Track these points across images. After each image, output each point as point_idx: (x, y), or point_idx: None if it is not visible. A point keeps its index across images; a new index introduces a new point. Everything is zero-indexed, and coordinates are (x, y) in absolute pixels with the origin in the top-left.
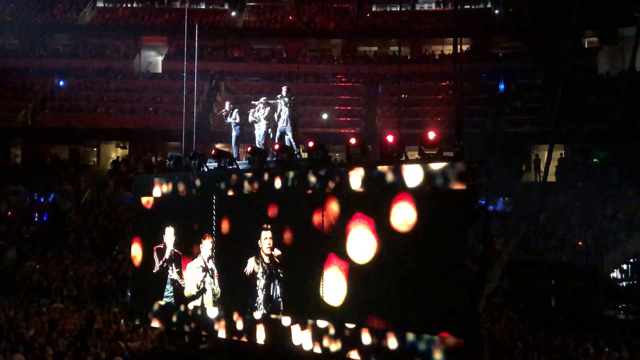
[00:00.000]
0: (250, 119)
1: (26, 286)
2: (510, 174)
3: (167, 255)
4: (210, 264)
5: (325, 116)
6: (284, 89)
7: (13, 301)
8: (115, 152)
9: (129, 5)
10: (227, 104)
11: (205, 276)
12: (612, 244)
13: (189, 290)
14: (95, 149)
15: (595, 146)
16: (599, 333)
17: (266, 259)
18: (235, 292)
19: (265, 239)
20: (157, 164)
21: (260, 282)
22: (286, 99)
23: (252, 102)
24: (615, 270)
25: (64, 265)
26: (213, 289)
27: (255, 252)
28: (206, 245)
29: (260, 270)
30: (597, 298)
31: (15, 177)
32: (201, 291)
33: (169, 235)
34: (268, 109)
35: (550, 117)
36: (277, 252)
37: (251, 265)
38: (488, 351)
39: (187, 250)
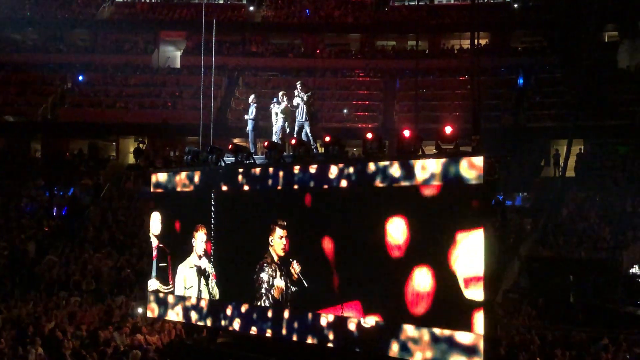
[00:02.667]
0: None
1: (45, 280)
2: (529, 169)
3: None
4: (204, 263)
5: (345, 111)
6: (298, 84)
7: (32, 295)
8: (134, 147)
9: (147, 1)
10: (252, 97)
11: (200, 278)
12: (631, 240)
13: (180, 293)
14: (114, 144)
15: (615, 141)
16: (618, 329)
17: (276, 260)
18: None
19: (281, 238)
20: (176, 158)
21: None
22: (302, 95)
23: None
24: (634, 266)
25: (83, 259)
26: (209, 291)
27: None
28: (199, 238)
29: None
30: (616, 294)
31: (35, 171)
32: (196, 294)
33: (155, 221)
34: (284, 104)
35: (569, 111)
36: (296, 266)
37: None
38: (505, 347)
39: (178, 247)
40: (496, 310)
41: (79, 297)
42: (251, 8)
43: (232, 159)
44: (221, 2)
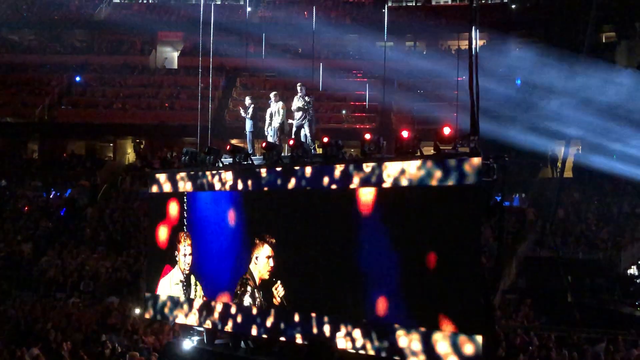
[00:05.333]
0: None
1: (43, 281)
2: (527, 169)
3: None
4: (190, 278)
5: (344, 112)
6: (298, 86)
7: (30, 296)
8: (131, 148)
9: (144, 1)
10: (247, 98)
11: (187, 293)
12: (629, 241)
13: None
14: (111, 145)
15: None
16: (616, 330)
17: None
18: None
19: (268, 258)
20: (173, 159)
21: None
22: (303, 97)
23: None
24: (632, 267)
25: (80, 260)
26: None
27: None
28: (183, 251)
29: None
30: (614, 295)
31: (32, 172)
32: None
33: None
34: (280, 104)
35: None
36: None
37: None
38: (504, 348)
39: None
40: (495, 311)
41: (78, 299)
42: (249, 9)
43: (230, 159)
44: (219, 2)
